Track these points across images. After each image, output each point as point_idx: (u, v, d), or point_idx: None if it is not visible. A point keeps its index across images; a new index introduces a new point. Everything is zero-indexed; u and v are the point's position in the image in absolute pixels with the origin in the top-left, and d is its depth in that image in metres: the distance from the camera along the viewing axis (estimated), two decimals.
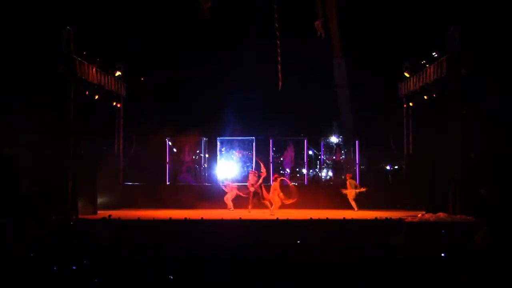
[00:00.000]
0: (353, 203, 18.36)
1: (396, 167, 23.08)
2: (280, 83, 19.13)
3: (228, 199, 18.42)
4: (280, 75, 19.04)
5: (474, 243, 11.62)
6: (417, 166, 19.09)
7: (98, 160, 18.33)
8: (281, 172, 20.73)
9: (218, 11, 18.33)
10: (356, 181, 19.24)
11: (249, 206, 18.14)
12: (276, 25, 18.86)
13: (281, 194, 17.62)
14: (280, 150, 21.76)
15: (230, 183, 18.81)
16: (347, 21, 19.60)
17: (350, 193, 18.47)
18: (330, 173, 21.92)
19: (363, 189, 18.38)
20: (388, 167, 23.93)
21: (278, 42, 18.84)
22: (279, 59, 18.94)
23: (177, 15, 19.73)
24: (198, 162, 21.81)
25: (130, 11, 19.31)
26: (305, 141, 21.34)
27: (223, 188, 18.66)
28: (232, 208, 18.25)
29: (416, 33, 18.39)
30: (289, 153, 21.09)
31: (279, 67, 18.98)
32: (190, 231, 14.06)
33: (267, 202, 17.94)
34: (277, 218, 14.83)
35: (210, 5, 18.16)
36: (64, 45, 16.31)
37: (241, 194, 18.34)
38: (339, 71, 22.00)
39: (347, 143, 22.52)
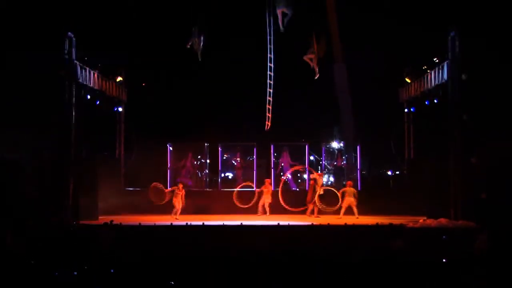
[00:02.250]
0: (355, 209, 18.07)
1: (397, 172, 23.06)
2: (268, 123, 18.89)
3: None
4: (269, 115, 18.79)
5: (475, 247, 11.62)
6: (418, 172, 19.07)
7: (99, 165, 18.33)
8: (283, 177, 20.67)
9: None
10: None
11: (316, 210, 18.22)
12: (270, 64, 18.80)
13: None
14: (278, 156, 21.69)
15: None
16: (347, 27, 19.59)
17: (353, 201, 18.10)
18: (332, 179, 21.87)
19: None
20: (389, 173, 23.91)
21: (271, 82, 18.73)
22: (270, 98, 18.76)
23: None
24: (200, 167, 21.76)
25: (131, 15, 19.35)
26: (306, 146, 21.29)
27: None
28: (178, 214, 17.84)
29: (417, 38, 18.40)
30: (285, 159, 21.01)
31: (269, 107, 18.77)
32: (191, 236, 14.04)
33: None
34: (278, 223, 14.80)
35: (201, 48, 18.27)
36: (65, 50, 16.38)
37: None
38: (340, 76, 21.99)
39: (348, 149, 22.48)
